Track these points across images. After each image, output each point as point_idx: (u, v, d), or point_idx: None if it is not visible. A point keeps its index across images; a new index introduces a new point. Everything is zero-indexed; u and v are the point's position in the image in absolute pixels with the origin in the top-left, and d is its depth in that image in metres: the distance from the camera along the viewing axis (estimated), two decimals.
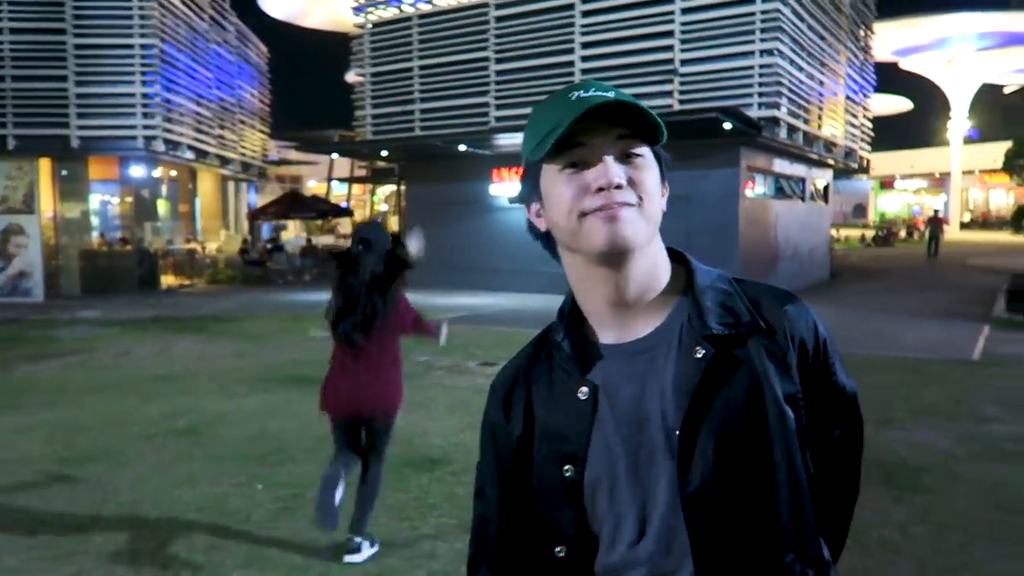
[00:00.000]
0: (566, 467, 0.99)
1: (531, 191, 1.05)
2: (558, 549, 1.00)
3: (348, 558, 3.67)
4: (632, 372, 0.98)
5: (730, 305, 1.00)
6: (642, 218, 0.96)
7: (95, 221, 20.22)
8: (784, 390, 0.97)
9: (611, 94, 0.96)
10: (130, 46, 17.47)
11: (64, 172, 18.08)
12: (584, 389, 0.99)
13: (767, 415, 0.95)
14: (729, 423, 0.94)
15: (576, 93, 0.98)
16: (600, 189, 0.94)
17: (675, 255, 1.06)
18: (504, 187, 16.97)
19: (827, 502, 1.05)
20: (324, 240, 30.96)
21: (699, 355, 0.95)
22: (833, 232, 24.14)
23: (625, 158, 0.96)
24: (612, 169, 0.95)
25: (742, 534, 0.94)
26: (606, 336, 1.02)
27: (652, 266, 1.00)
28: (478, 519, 1.13)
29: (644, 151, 0.98)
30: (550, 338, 1.08)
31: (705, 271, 1.04)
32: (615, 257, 0.96)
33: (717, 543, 0.93)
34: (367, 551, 3.72)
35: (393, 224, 43.03)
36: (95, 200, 20.40)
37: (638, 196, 0.96)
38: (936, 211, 32.48)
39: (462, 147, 16.58)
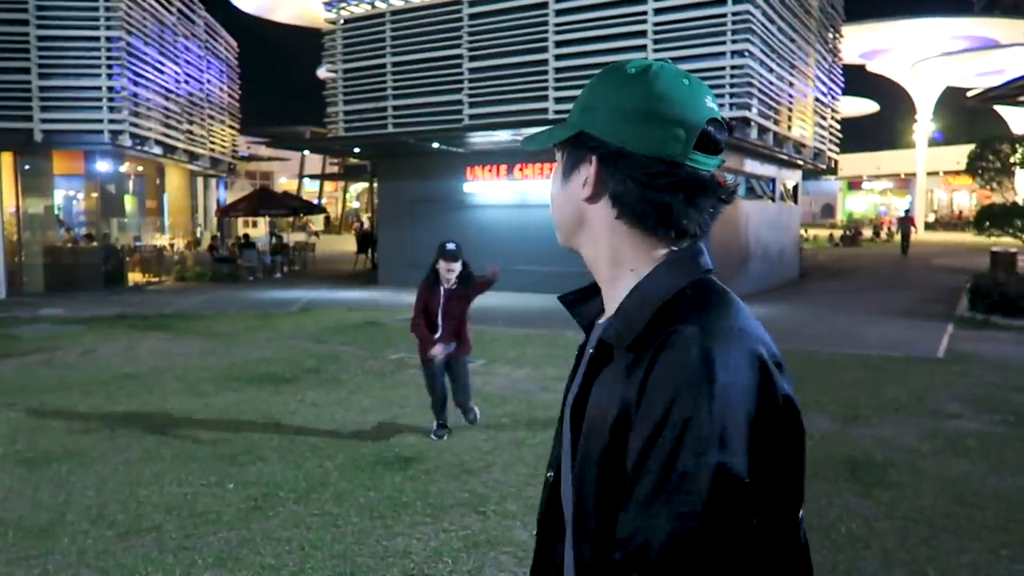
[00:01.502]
0: (567, 399, 1.08)
1: None
2: (549, 474, 1.12)
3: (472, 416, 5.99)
4: (584, 352, 1.09)
5: (632, 319, 0.95)
6: (558, 227, 1.08)
7: (60, 216, 19.82)
8: (611, 404, 0.91)
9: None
10: (96, 38, 17.13)
11: (27, 166, 17.69)
12: (590, 351, 1.05)
13: (592, 422, 0.95)
14: (586, 420, 0.98)
15: None
16: None
17: (681, 255, 1.05)
18: (477, 185, 16.95)
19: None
20: (296, 237, 30.67)
21: (590, 352, 1.02)
22: (802, 232, 24.47)
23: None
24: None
25: (560, 519, 1.05)
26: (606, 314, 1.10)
27: (599, 261, 1.04)
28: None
29: (558, 157, 1.06)
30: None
31: (656, 283, 0.97)
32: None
33: (552, 518, 1.07)
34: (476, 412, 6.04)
35: (366, 222, 42.73)
36: (59, 195, 20.00)
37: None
38: (907, 210, 33.50)
39: (435, 144, 16.52)
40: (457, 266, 5.61)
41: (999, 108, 36.18)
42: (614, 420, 0.90)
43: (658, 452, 0.83)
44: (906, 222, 28.82)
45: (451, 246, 5.61)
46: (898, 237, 28.76)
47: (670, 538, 0.80)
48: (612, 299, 1.03)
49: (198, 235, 26.58)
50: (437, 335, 5.68)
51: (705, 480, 0.80)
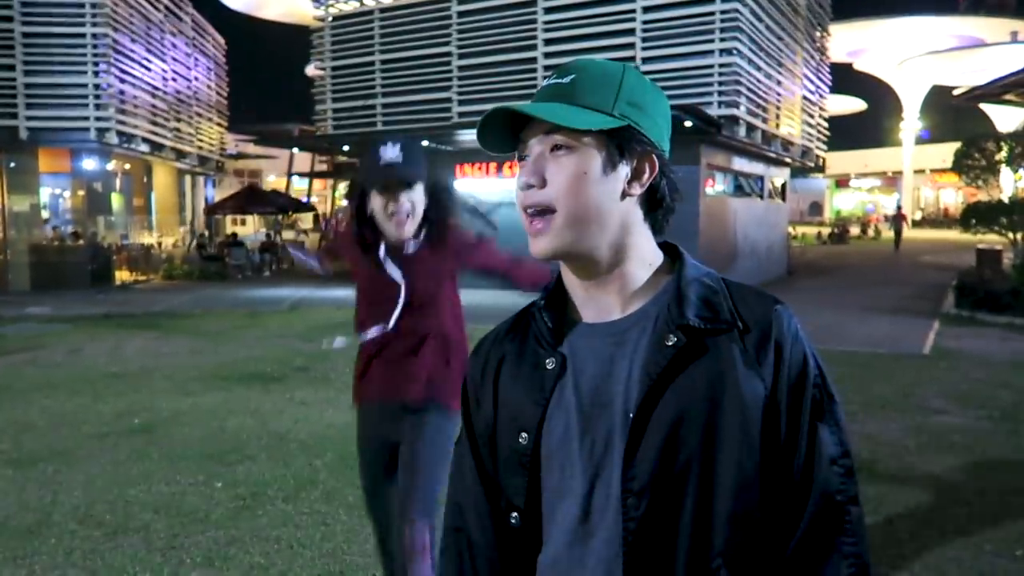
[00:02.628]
0: (522, 435, 1.01)
1: None
2: (512, 516, 1.02)
3: None
4: (601, 353, 0.99)
5: (712, 301, 0.98)
6: (563, 224, 0.96)
7: (45, 214, 19.66)
8: (752, 392, 0.94)
9: (567, 79, 0.98)
10: (81, 35, 17.03)
11: (12, 164, 17.55)
12: (551, 360, 1.01)
13: (722, 414, 0.93)
14: (683, 415, 0.93)
15: (547, 80, 1.02)
16: (522, 188, 1.00)
17: (669, 248, 1.06)
18: (467, 183, 16.93)
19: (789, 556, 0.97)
20: (286, 235, 30.55)
21: (670, 343, 0.95)
22: (790, 230, 24.61)
23: (558, 149, 0.97)
24: (525, 169, 0.99)
25: (673, 532, 0.93)
26: (585, 315, 1.03)
27: (615, 258, 1.00)
28: (451, 478, 1.15)
29: (577, 141, 0.96)
30: (530, 308, 1.09)
31: (694, 266, 1.03)
32: (555, 260, 1.01)
33: (649, 536, 0.93)
34: None
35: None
36: (45, 193, 19.85)
37: (553, 196, 0.96)
38: (899, 207, 35.17)
39: (424, 142, 16.49)
40: (411, 199, 2.45)
41: (985, 106, 36.47)
42: (765, 399, 0.95)
43: (828, 414, 0.98)
44: (898, 218, 30.41)
45: (392, 152, 2.42)
46: (890, 233, 30.70)
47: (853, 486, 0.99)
48: (612, 295, 1.01)
49: (184, 233, 26.43)
50: (373, 332, 2.59)
51: (842, 415, 1.00)
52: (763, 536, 0.94)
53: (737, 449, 0.93)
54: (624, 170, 0.98)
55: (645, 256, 1.02)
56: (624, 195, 0.99)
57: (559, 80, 0.99)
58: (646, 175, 1.00)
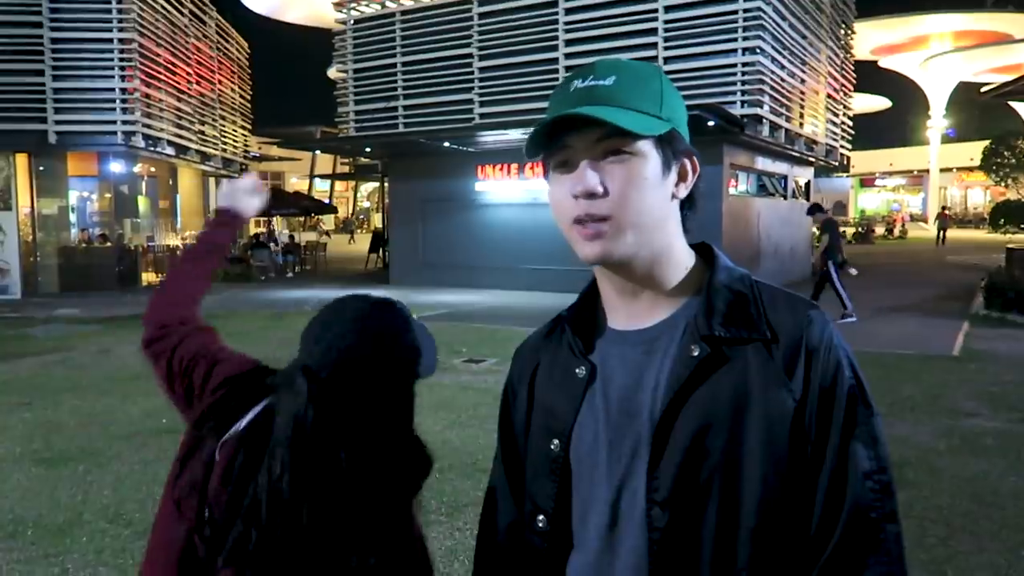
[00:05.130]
0: (553, 441, 1.02)
1: None
2: (539, 519, 1.03)
3: None
4: (631, 361, 0.99)
5: (740, 308, 0.96)
6: (620, 230, 0.93)
7: (73, 218, 19.97)
8: (779, 404, 0.91)
9: (609, 80, 0.94)
10: (108, 40, 17.28)
11: (41, 168, 17.83)
12: (581, 368, 1.01)
13: (747, 427, 0.91)
14: (706, 426, 0.91)
15: (576, 83, 0.96)
16: (577, 196, 0.94)
17: (704, 249, 1.05)
18: (488, 184, 16.95)
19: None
20: (307, 236, 30.80)
21: (694, 353, 0.94)
22: (814, 230, 24.35)
23: (612, 155, 0.94)
24: (586, 177, 0.93)
25: (697, 543, 0.91)
26: (615, 321, 1.03)
27: (653, 262, 0.98)
28: (490, 479, 1.17)
29: (635, 147, 0.93)
30: (563, 315, 1.10)
31: (727, 269, 1.01)
32: (605, 265, 0.98)
33: (673, 547, 0.92)
34: None
35: (376, 220, 42.83)
36: (73, 196, 20.15)
37: (617, 203, 0.93)
38: (944, 207, 38.78)
39: (446, 144, 16.54)
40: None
41: (1014, 104, 35.86)
42: (794, 408, 0.92)
43: (862, 426, 0.93)
44: (943, 217, 33.78)
45: None
46: (934, 230, 34.27)
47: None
48: (645, 301, 1.00)
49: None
50: None
51: (881, 428, 0.96)
52: (790, 552, 0.91)
53: (762, 463, 0.91)
54: (673, 174, 0.98)
55: (681, 259, 1.01)
56: (673, 198, 0.99)
57: (600, 82, 0.94)
58: (690, 177, 1.00)
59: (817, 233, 17.18)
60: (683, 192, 1.00)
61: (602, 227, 0.94)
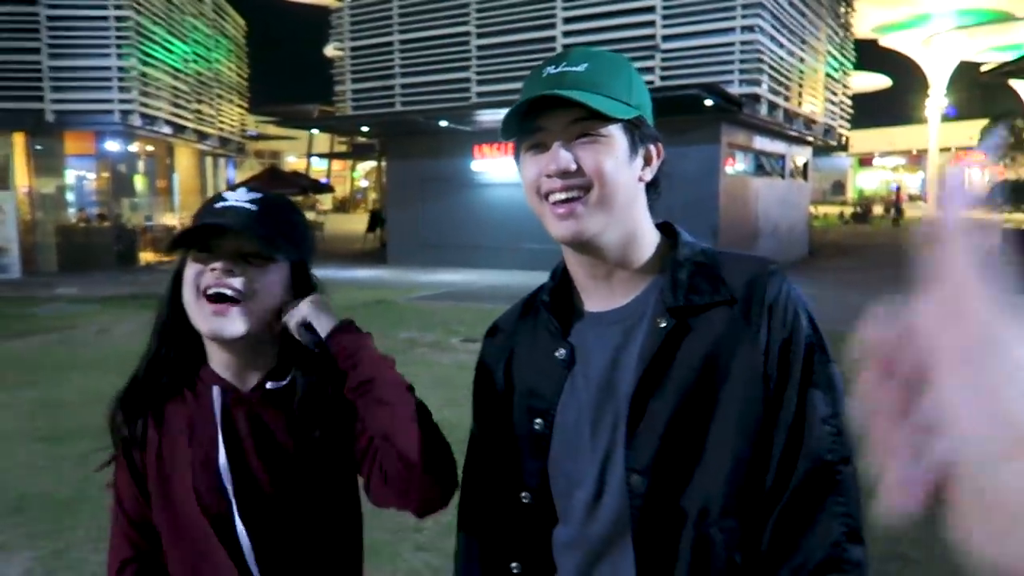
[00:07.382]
0: (536, 420, 1.06)
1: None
2: (524, 495, 1.07)
3: None
4: (607, 340, 1.03)
5: (702, 276, 1.01)
6: (595, 208, 0.98)
7: (71, 197, 19.94)
8: (750, 362, 0.96)
9: (581, 67, 0.98)
10: (105, 18, 17.15)
11: (39, 147, 17.79)
12: (561, 351, 1.05)
13: (720, 390, 0.95)
14: (680, 394, 0.96)
15: (548, 69, 1.01)
16: (551, 175, 0.98)
17: (666, 228, 1.10)
18: (486, 163, 16.93)
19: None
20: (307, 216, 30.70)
21: (662, 325, 0.98)
22: (812, 209, 24.38)
23: (583, 137, 0.98)
24: (559, 156, 0.97)
25: (677, 507, 0.96)
26: (590, 303, 1.08)
27: (624, 243, 1.03)
28: (467, 457, 1.20)
29: (606, 130, 0.98)
30: (538, 297, 1.13)
31: (689, 244, 1.06)
32: (576, 245, 1.02)
33: (654, 511, 0.96)
34: None
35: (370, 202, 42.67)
36: (71, 175, 20.10)
37: (590, 181, 0.97)
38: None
39: (443, 123, 16.49)
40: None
41: (1014, 83, 35.68)
42: (763, 363, 0.96)
43: (820, 373, 0.96)
44: None
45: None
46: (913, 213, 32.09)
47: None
48: (616, 282, 1.05)
49: None
50: None
51: (838, 375, 0.98)
52: (760, 500, 0.96)
53: (737, 423, 0.95)
54: (639, 157, 1.03)
55: (648, 238, 1.06)
56: (640, 180, 1.04)
57: (572, 68, 0.99)
58: (655, 161, 1.05)
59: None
60: (648, 175, 1.05)
61: (576, 207, 0.98)
